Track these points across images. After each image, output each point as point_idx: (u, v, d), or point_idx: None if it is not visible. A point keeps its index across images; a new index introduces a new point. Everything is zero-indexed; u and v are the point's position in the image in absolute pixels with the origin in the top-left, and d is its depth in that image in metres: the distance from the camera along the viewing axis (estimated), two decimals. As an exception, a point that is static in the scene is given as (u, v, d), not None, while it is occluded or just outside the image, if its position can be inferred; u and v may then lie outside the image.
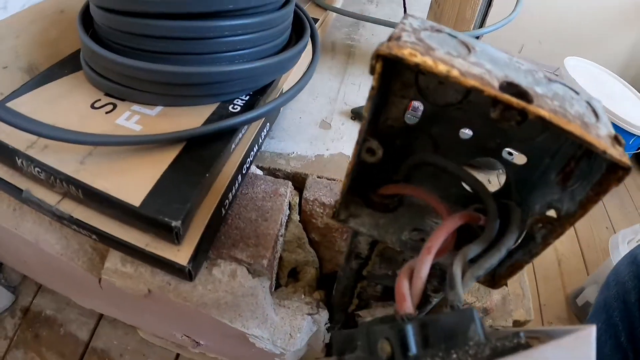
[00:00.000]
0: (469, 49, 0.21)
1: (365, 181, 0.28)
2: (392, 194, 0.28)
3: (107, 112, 0.38)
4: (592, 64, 1.03)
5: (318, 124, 0.53)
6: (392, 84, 0.26)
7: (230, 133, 0.37)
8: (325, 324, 0.48)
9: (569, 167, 0.24)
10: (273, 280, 0.43)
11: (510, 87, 0.19)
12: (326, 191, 0.45)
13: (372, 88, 0.19)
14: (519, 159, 0.28)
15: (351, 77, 0.62)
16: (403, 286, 0.21)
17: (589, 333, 0.16)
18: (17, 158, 0.34)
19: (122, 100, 0.40)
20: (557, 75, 0.91)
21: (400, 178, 0.28)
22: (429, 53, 0.18)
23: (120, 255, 0.38)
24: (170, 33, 0.36)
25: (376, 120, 0.27)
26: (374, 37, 0.74)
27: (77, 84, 0.42)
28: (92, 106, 0.39)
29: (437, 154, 0.28)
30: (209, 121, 0.38)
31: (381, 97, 0.27)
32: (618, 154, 0.18)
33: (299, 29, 0.48)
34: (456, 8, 0.54)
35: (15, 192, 0.36)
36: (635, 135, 1.04)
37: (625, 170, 0.18)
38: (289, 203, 0.44)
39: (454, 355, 0.17)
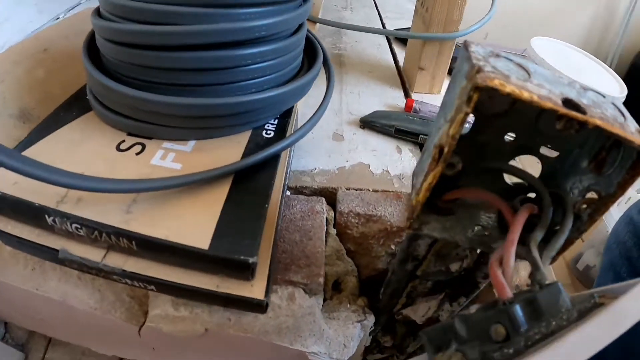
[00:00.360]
0: (527, 72, 0.23)
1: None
2: (456, 198, 0.30)
3: (137, 154, 0.38)
4: (557, 41, 1.09)
5: (331, 137, 0.55)
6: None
7: (275, 160, 0.38)
8: (370, 327, 0.50)
9: (601, 156, 0.27)
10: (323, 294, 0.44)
11: (568, 103, 0.22)
12: (358, 202, 0.47)
13: (466, 113, 0.21)
14: (551, 153, 0.31)
15: (349, 87, 0.64)
16: (499, 275, 0.23)
17: None
18: (47, 216, 0.32)
19: (150, 138, 0.39)
20: (524, 56, 0.96)
21: (466, 183, 0.30)
22: (509, 81, 0.21)
23: (170, 300, 0.37)
24: (199, 65, 0.36)
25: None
26: (358, 44, 0.76)
27: (92, 126, 0.40)
28: (118, 148, 0.38)
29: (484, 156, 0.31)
30: (249, 150, 0.39)
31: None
32: None
33: (310, 50, 0.50)
34: (444, 11, 0.57)
35: (47, 253, 0.33)
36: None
37: None
38: (326, 219, 0.45)
39: (554, 323, 0.20)
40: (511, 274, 0.24)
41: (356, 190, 0.48)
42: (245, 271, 0.31)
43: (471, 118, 0.30)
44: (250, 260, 0.31)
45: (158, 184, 0.34)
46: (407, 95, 0.67)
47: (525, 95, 0.20)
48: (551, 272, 0.23)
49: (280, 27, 0.39)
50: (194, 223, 0.33)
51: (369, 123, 0.56)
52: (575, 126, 0.23)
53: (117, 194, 0.34)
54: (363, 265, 0.50)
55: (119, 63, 0.38)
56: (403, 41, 0.81)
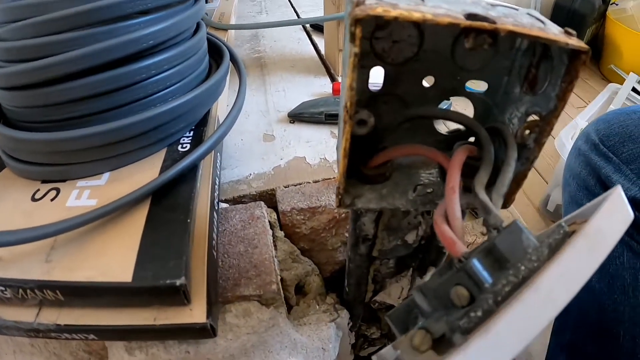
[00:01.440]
0: None
1: (355, 159, 0.27)
2: (384, 161, 0.27)
3: (52, 199, 0.34)
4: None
5: (262, 139, 0.52)
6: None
7: (193, 172, 0.35)
8: (348, 323, 0.47)
9: (531, 74, 0.25)
10: (284, 302, 0.41)
11: (473, 17, 0.20)
12: (299, 197, 0.44)
13: (355, 55, 0.19)
14: (481, 87, 0.29)
15: (273, 86, 0.62)
16: (447, 231, 0.21)
17: (618, 192, 0.18)
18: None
19: (64, 181, 0.36)
20: None
21: (386, 144, 0.28)
22: (397, 7, 0.19)
23: (123, 346, 0.34)
24: (95, 90, 0.33)
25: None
26: (277, 43, 0.75)
27: (7, 182, 0.37)
28: (34, 199, 0.35)
29: (408, 108, 0.29)
30: (165, 168, 0.35)
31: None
32: (576, 42, 0.19)
33: (215, 53, 0.47)
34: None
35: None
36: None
37: (586, 52, 0.20)
38: (269, 222, 0.42)
39: (522, 268, 0.18)
40: (460, 225, 0.21)
41: (295, 185, 0.45)
42: (177, 296, 0.28)
43: (379, 72, 0.28)
44: (178, 282, 0.28)
45: (65, 225, 0.30)
46: (333, 80, 0.65)
47: (416, 15, 0.18)
48: (520, 219, 0.20)
49: (170, 32, 0.36)
50: (116, 257, 0.30)
51: (297, 116, 0.54)
52: (488, 39, 0.20)
53: (34, 245, 0.31)
54: (322, 261, 0.47)
55: (17, 109, 0.35)
56: (322, 30, 0.80)
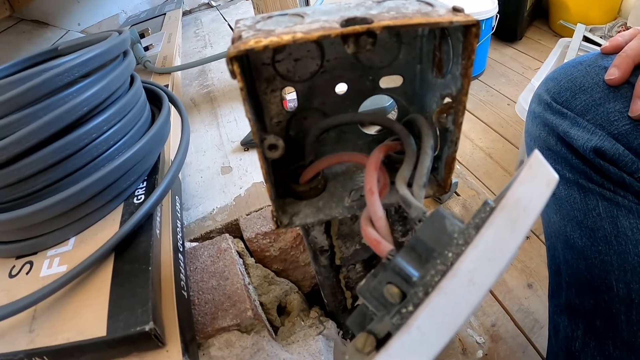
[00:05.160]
0: (302, 16, 0.22)
1: (284, 179, 0.29)
2: (313, 175, 0.29)
3: (27, 273, 0.36)
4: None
5: (220, 172, 0.53)
6: (258, 87, 0.28)
7: (150, 221, 0.36)
8: (338, 333, 0.48)
9: (437, 58, 0.26)
10: (268, 326, 0.42)
11: (349, 21, 0.21)
12: (261, 221, 0.45)
13: (241, 89, 0.20)
14: (396, 82, 0.30)
15: (225, 117, 0.63)
16: (370, 232, 0.21)
17: (536, 155, 0.18)
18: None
19: (35, 253, 0.38)
20: None
21: (312, 158, 0.29)
22: (271, 34, 0.20)
23: None
24: (46, 162, 0.35)
25: (263, 123, 0.28)
26: (224, 74, 0.76)
27: None
28: (10, 275, 0.36)
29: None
30: (123, 222, 0.37)
31: (256, 102, 0.28)
32: (462, 17, 0.20)
33: (155, 99, 0.48)
34: (277, 6, 0.57)
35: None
36: (483, 19, 1.15)
37: (475, 25, 0.21)
38: (237, 252, 0.44)
39: (450, 254, 0.17)
40: (384, 225, 0.22)
41: (256, 211, 0.46)
42: (150, 340, 0.30)
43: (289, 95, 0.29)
44: (147, 327, 0.29)
45: (35, 297, 0.32)
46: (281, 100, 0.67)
47: (286, 38, 0.19)
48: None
49: (103, 93, 0.38)
50: (89, 315, 0.32)
51: (249, 143, 0.55)
52: (368, 40, 0.20)
53: (18, 319, 0.33)
54: (299, 278, 0.49)
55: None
56: None
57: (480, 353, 0.71)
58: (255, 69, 0.27)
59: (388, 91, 0.30)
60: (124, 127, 0.40)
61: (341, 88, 0.30)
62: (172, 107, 0.48)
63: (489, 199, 0.19)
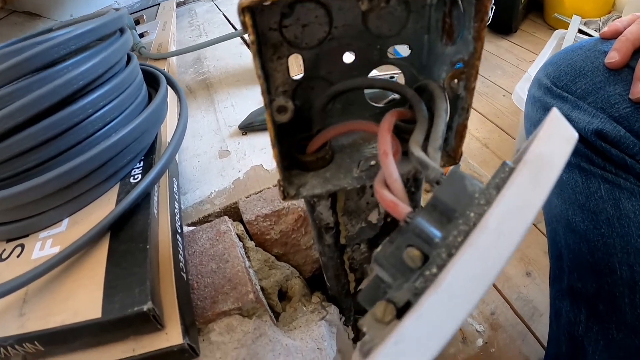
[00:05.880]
0: None
1: (289, 150, 0.28)
2: (321, 145, 0.28)
3: (18, 256, 0.34)
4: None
5: (217, 156, 0.52)
6: (264, 53, 0.26)
7: (147, 200, 0.35)
8: (340, 318, 0.47)
9: (447, 25, 0.25)
10: (269, 310, 0.41)
11: None
12: (261, 203, 0.44)
13: (252, 42, 0.19)
14: (404, 52, 0.30)
15: (221, 103, 0.62)
16: (387, 195, 0.20)
17: (554, 114, 0.18)
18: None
19: (27, 235, 0.36)
20: None
21: (319, 127, 0.28)
22: None
23: None
24: (40, 138, 0.33)
25: (269, 89, 0.27)
26: (220, 62, 0.75)
27: None
28: (0, 259, 0.35)
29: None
30: (120, 201, 0.35)
31: (263, 69, 0.27)
32: None
33: (153, 82, 0.47)
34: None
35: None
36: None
37: None
38: (237, 235, 0.42)
39: (472, 214, 0.17)
40: (401, 187, 0.20)
41: (256, 194, 0.45)
42: (148, 322, 0.28)
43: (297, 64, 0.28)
44: (145, 307, 0.28)
45: (28, 276, 0.30)
46: (279, 86, 0.66)
47: None
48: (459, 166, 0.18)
49: (99, 68, 0.36)
50: (84, 296, 0.30)
51: (248, 126, 0.54)
52: None
53: (7, 302, 0.31)
54: (300, 263, 0.47)
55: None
56: None
57: (480, 341, 0.70)
58: (262, 34, 0.26)
59: (395, 61, 0.29)
60: (120, 104, 0.39)
61: (349, 58, 0.28)
62: (170, 89, 0.46)
63: (506, 160, 0.18)
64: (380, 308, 0.18)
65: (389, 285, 0.20)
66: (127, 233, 0.33)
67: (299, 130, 0.28)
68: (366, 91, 0.30)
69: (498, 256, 0.14)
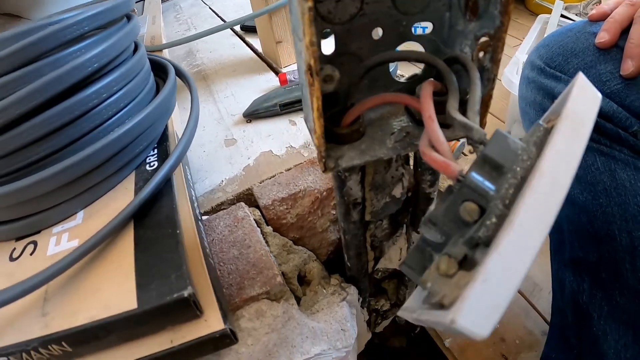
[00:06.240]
0: None
1: (327, 123, 0.27)
2: (356, 117, 0.28)
3: (31, 254, 0.32)
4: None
5: (223, 145, 0.51)
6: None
7: (169, 185, 0.34)
8: (359, 299, 0.47)
9: (471, 3, 0.26)
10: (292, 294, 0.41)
11: None
12: (276, 187, 0.43)
13: (309, 9, 0.19)
14: (427, 29, 0.30)
15: (220, 93, 0.61)
16: (437, 156, 0.20)
17: (581, 78, 0.19)
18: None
19: (38, 232, 0.34)
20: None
21: (353, 101, 0.28)
22: None
23: None
24: (52, 125, 0.31)
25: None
26: (213, 54, 0.74)
27: None
28: (11, 259, 0.33)
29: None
30: (138, 190, 0.34)
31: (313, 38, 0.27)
32: None
33: (159, 71, 0.46)
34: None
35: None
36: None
37: None
38: (255, 220, 0.42)
39: (519, 169, 0.18)
40: (448, 149, 0.21)
41: (269, 179, 0.45)
42: (188, 308, 0.27)
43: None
44: (186, 293, 0.26)
45: (50, 272, 0.28)
46: (276, 73, 0.65)
47: None
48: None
49: (112, 52, 0.35)
50: (114, 288, 0.28)
51: (253, 114, 0.53)
52: None
53: (26, 303, 0.29)
54: (316, 246, 0.47)
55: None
56: (254, 30, 0.80)
57: (486, 318, 0.71)
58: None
59: (419, 38, 0.30)
60: (132, 90, 0.37)
61: (376, 34, 0.29)
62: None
63: (539, 121, 0.20)
64: (444, 262, 0.19)
65: (437, 246, 0.21)
66: (152, 220, 0.32)
67: (334, 104, 0.28)
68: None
69: (555, 197, 0.16)
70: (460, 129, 0.22)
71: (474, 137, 0.21)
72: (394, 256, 0.47)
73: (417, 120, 0.28)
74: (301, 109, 0.54)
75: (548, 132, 0.19)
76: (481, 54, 0.26)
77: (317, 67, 0.21)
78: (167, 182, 0.34)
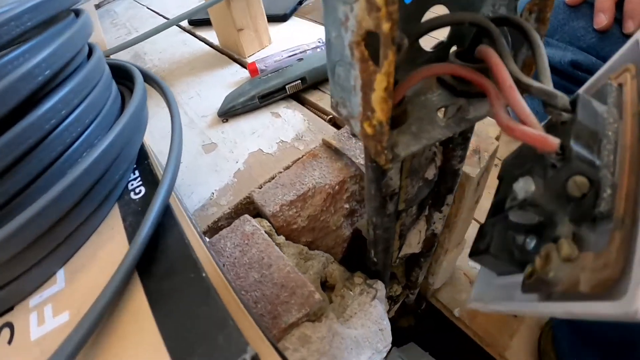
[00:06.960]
0: None
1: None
2: (403, 96, 0.23)
3: (9, 342, 0.25)
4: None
5: (202, 152, 0.45)
6: None
7: (169, 214, 0.28)
8: (385, 293, 0.43)
9: None
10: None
11: None
12: (281, 190, 0.38)
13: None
14: None
15: (183, 95, 0.54)
16: (531, 131, 0.18)
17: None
18: None
19: (11, 309, 0.26)
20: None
21: (397, 77, 0.23)
22: None
23: None
24: (4, 159, 0.23)
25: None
26: (163, 53, 0.68)
27: None
28: None
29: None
30: (130, 227, 0.28)
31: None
32: None
33: (123, 78, 0.38)
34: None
35: None
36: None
37: None
38: (265, 232, 0.36)
39: (609, 133, 0.17)
40: (536, 120, 0.19)
41: (269, 181, 0.39)
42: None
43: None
44: (248, 357, 0.20)
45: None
46: (241, 64, 0.59)
47: None
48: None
49: (65, 54, 0.27)
50: None
51: (229, 111, 0.47)
52: None
53: None
54: (331, 245, 0.42)
55: None
56: (205, 22, 0.74)
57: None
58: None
59: (448, 2, 0.26)
60: (95, 102, 0.30)
61: None
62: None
63: (606, 81, 0.20)
64: (566, 247, 0.17)
65: (529, 229, 0.19)
66: (163, 265, 0.25)
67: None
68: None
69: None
70: (541, 95, 0.19)
71: (557, 105, 0.19)
72: (413, 240, 0.43)
73: (458, 92, 0.25)
74: (282, 99, 0.49)
75: (620, 88, 0.19)
76: (527, 13, 0.23)
77: (393, 33, 0.16)
78: (166, 211, 0.28)
